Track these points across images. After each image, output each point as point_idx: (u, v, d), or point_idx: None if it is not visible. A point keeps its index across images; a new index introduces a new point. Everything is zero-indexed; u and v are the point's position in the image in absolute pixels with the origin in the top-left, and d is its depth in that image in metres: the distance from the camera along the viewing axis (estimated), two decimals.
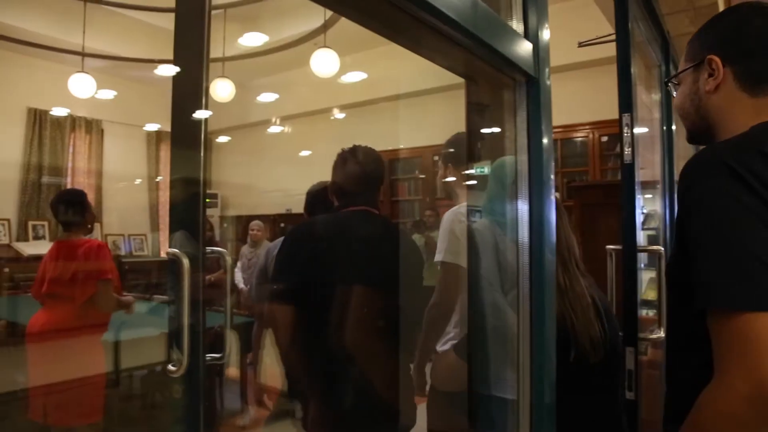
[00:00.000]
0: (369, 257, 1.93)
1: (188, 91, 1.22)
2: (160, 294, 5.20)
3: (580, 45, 4.06)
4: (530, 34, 1.15)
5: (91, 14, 5.13)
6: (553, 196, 1.18)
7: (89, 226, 3.02)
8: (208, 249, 1.18)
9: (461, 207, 1.93)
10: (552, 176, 1.16)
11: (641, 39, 2.36)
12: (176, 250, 1.08)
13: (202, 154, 1.14)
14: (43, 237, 6.93)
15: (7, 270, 6.20)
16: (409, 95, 6.36)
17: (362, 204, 1.93)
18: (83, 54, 5.12)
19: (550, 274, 1.16)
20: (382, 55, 4.32)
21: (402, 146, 6.62)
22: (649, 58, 2.66)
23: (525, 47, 1.13)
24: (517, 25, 1.17)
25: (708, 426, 0.86)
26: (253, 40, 5.45)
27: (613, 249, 2.02)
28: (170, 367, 1.08)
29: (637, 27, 2.22)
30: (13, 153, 6.78)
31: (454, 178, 2.05)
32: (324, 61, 4.42)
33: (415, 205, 6.96)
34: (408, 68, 5.74)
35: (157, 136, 8.24)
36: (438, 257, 1.86)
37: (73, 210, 2.93)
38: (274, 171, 7.48)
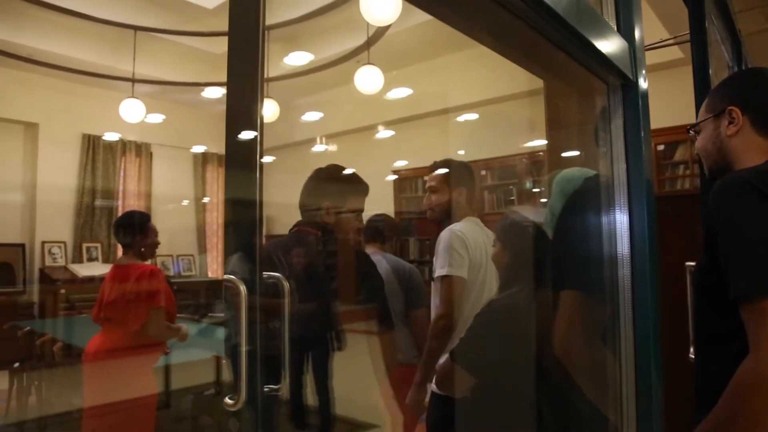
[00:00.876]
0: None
1: (242, 112, 1.18)
2: (209, 315, 5.23)
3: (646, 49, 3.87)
4: (624, 32, 1.05)
5: (140, 41, 5.26)
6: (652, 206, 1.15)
7: (150, 249, 2.94)
8: (265, 274, 1.13)
9: (457, 225, 2.13)
10: (652, 186, 1.06)
11: (713, 39, 2.20)
12: (232, 276, 1.04)
13: (258, 176, 1.09)
14: (96, 259, 7.11)
15: (63, 291, 6.37)
16: (458, 109, 6.27)
17: None
18: (133, 80, 5.25)
19: (654, 288, 1.08)
20: (427, 70, 4.25)
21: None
22: (719, 59, 2.48)
23: (621, 46, 1.03)
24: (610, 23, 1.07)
25: (743, 393, 1.03)
26: (297, 59, 5.47)
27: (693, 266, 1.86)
28: (227, 400, 1.03)
29: (711, 26, 2.08)
30: (69, 178, 7.01)
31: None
32: (368, 78, 4.38)
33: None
34: (456, 82, 5.66)
35: (203, 158, 8.39)
36: (441, 272, 2.05)
37: (133, 233, 2.87)
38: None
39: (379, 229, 2.78)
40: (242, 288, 1.01)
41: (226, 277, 1.04)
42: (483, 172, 6.09)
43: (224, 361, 3.51)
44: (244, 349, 1.00)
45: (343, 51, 5.46)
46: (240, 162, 1.12)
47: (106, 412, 2.75)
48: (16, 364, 4.33)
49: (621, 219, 1.11)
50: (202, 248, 8.21)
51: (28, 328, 4.25)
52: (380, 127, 7.04)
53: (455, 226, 2.13)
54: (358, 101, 5.49)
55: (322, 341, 2.15)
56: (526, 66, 1.01)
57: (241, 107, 1.14)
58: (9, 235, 6.64)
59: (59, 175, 6.92)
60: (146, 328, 2.67)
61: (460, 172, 2.33)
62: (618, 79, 1.09)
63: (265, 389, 1.09)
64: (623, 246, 1.10)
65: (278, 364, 1.29)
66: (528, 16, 0.80)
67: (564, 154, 1.37)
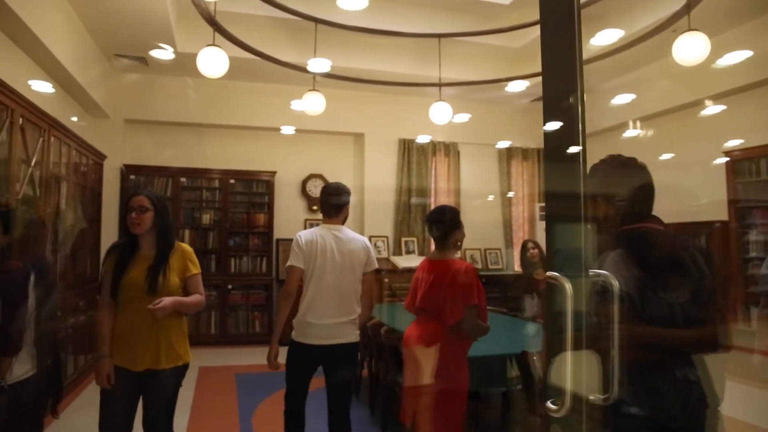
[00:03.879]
0: None
1: (561, 100, 1.11)
2: (514, 309, 5.23)
3: None
4: None
5: (444, 47, 5.56)
6: None
7: (459, 244, 3.00)
8: (592, 272, 1.03)
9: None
10: None
11: None
12: (557, 274, 0.99)
13: (581, 168, 0.99)
14: (413, 252, 7.83)
15: (386, 280, 7.21)
16: None
17: None
18: (440, 84, 5.57)
19: None
20: None
21: None
22: None
23: None
24: None
25: None
26: (605, 38, 5.04)
27: None
28: (549, 404, 0.99)
29: None
30: (389, 179, 7.91)
31: None
32: (689, 47, 3.77)
33: None
34: None
35: (507, 153, 8.49)
36: None
37: (446, 228, 2.92)
38: None
39: None
40: (567, 286, 0.96)
41: (549, 274, 0.99)
42: None
43: (534, 358, 3.42)
44: (569, 353, 0.95)
45: (657, 21, 4.83)
46: (559, 154, 1.05)
47: (423, 393, 2.93)
48: None
49: None
50: (509, 242, 8.32)
51: None
52: (707, 102, 6.03)
53: None
54: (676, 75, 4.79)
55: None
56: None
57: (559, 96, 1.06)
58: None
59: (381, 177, 7.86)
60: (461, 324, 2.74)
61: None
62: None
63: (590, 398, 1.02)
64: None
65: (606, 372, 1.20)
66: None
67: None
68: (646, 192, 1.76)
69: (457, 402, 2.86)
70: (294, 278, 2.96)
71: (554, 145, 1.12)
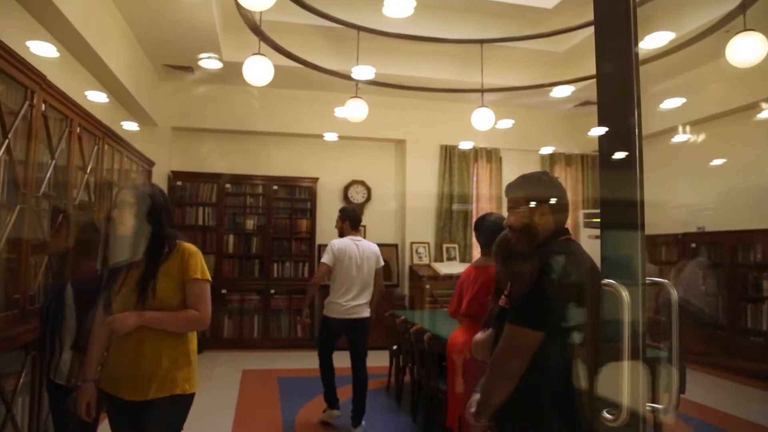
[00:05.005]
0: None
1: (616, 104, 1.11)
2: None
3: None
4: None
5: (486, 53, 5.53)
6: None
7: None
8: (649, 280, 1.03)
9: None
10: None
11: None
12: (612, 281, 0.98)
13: (637, 175, 0.98)
14: (454, 258, 7.79)
15: (428, 287, 7.18)
16: None
17: None
18: (482, 90, 5.54)
19: None
20: None
21: None
22: None
23: None
24: None
25: None
26: (654, 41, 4.91)
27: None
28: (605, 414, 0.99)
29: None
30: (430, 185, 7.90)
31: None
32: (745, 48, 3.64)
33: None
34: None
35: (550, 159, 8.37)
36: None
37: (491, 234, 2.96)
38: (675, 185, 6.63)
39: None
40: (624, 294, 0.95)
41: (604, 281, 0.99)
42: None
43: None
44: (626, 362, 0.94)
45: (708, 22, 4.69)
46: (614, 160, 1.05)
47: (466, 400, 2.91)
48: (395, 347, 5.03)
49: None
50: None
51: (403, 317, 4.87)
52: (764, 105, 5.81)
53: None
54: (730, 77, 4.63)
55: None
56: None
57: (614, 100, 1.05)
58: (387, 237, 7.83)
59: (422, 183, 7.86)
60: None
61: None
62: None
63: (647, 408, 1.00)
64: None
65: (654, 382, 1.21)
66: None
67: None
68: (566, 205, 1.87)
69: None
70: (323, 271, 4.22)
71: (609, 150, 1.11)
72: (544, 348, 1.52)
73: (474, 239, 7.83)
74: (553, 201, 1.81)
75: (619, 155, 1.06)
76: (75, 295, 2.55)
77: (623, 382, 0.94)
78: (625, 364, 0.95)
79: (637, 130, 1.06)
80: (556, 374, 1.54)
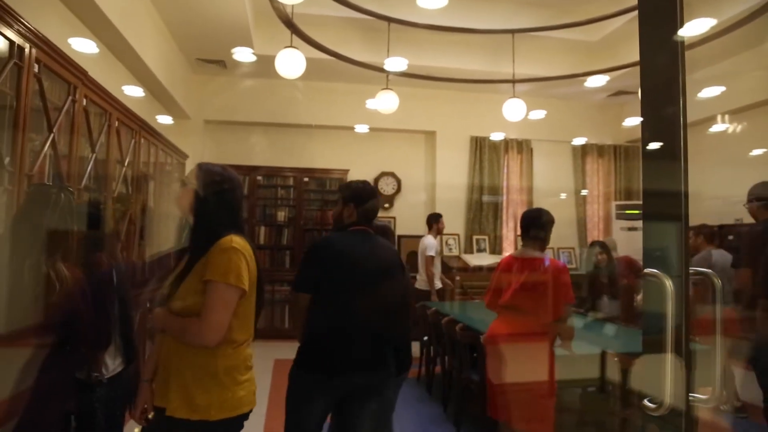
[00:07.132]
0: None
1: (662, 92, 1.09)
2: (593, 310, 5.09)
3: None
4: None
5: (517, 43, 5.46)
6: None
7: (546, 243, 3.06)
8: (692, 270, 1.02)
9: None
10: None
11: None
12: (656, 271, 0.98)
13: (681, 165, 0.97)
14: (484, 250, 7.75)
15: (458, 278, 7.17)
16: None
17: None
18: (514, 81, 5.48)
19: None
20: None
21: None
22: None
23: None
24: None
25: None
26: (695, 28, 4.78)
27: None
28: (646, 402, 0.99)
29: None
30: (460, 177, 7.86)
31: None
32: None
33: None
34: None
35: (582, 150, 8.24)
36: None
37: (536, 228, 3.00)
38: (713, 175, 6.47)
39: None
40: (668, 283, 0.95)
41: (647, 271, 0.99)
42: None
43: (615, 359, 3.34)
44: (669, 351, 0.94)
45: (751, 8, 4.55)
46: (659, 150, 1.02)
47: (514, 389, 2.92)
48: (425, 338, 5.06)
49: None
50: (583, 241, 8.08)
51: (434, 308, 4.88)
52: None
53: None
54: None
55: None
56: None
57: (659, 88, 1.03)
58: (417, 228, 7.82)
59: (453, 174, 7.83)
60: (559, 322, 2.75)
61: None
62: None
63: (690, 397, 1.00)
64: None
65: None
66: None
67: None
68: None
69: (548, 397, 2.88)
70: None
71: (652, 140, 1.10)
72: None
73: (504, 231, 7.79)
74: None
75: (663, 145, 1.05)
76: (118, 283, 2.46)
77: (666, 372, 0.95)
78: (669, 354, 0.95)
79: (682, 120, 1.04)
80: None
